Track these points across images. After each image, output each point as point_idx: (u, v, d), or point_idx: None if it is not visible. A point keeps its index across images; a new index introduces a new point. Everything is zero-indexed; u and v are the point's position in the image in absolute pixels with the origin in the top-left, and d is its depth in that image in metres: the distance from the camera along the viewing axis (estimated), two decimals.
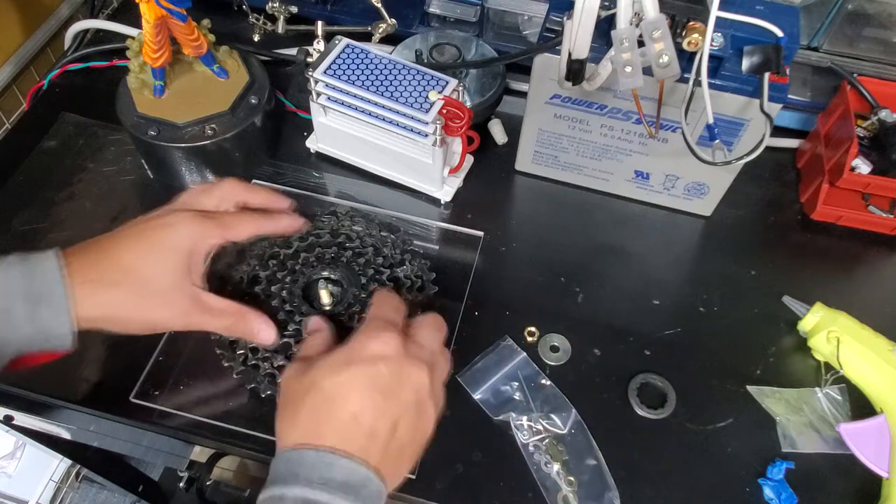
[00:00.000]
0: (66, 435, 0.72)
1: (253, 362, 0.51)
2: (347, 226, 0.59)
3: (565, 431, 0.52)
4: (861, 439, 0.52)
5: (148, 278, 0.43)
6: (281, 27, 0.74)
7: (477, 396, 0.54)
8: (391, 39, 0.71)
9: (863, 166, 0.62)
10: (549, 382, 0.55)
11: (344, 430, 0.38)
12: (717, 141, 0.53)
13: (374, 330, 0.42)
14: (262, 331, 0.47)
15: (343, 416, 0.38)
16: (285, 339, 0.50)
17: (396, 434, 0.39)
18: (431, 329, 0.45)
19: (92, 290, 0.41)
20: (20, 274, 0.40)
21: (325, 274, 0.54)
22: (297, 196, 0.63)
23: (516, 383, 0.55)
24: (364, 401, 0.38)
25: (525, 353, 0.56)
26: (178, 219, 0.45)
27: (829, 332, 0.55)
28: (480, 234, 0.63)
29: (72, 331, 0.41)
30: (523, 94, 0.63)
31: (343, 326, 0.50)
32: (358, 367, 0.39)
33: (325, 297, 0.52)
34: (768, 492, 0.50)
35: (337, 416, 0.38)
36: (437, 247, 0.63)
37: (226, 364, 0.51)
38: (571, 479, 0.50)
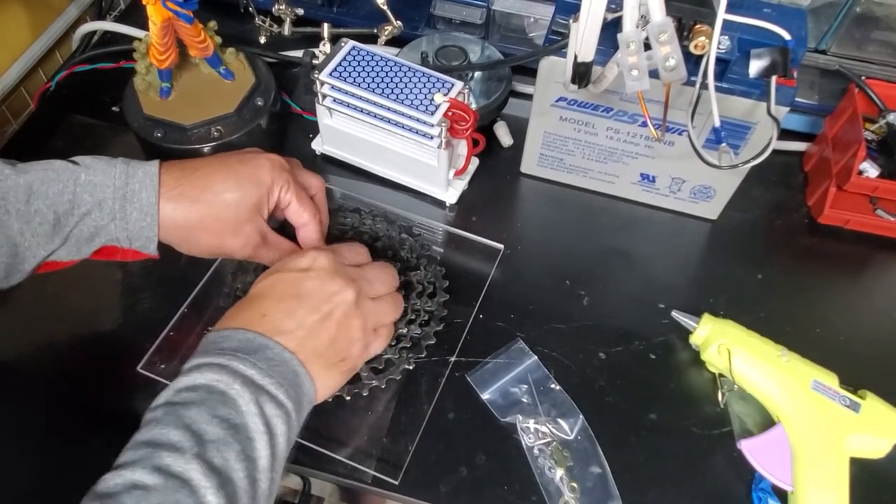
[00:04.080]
0: None
1: None
2: (370, 224, 0.59)
3: (571, 437, 0.52)
4: (762, 453, 0.51)
5: (229, 205, 0.46)
6: (287, 29, 0.74)
7: (485, 397, 0.54)
8: (397, 41, 0.71)
9: (871, 170, 0.62)
10: (558, 387, 0.54)
11: (250, 321, 0.41)
12: (724, 144, 0.53)
13: (311, 250, 0.46)
14: None
15: (253, 312, 0.42)
16: None
17: (311, 337, 0.42)
18: (377, 268, 0.49)
19: (178, 204, 0.45)
20: (122, 172, 0.44)
21: None
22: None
23: (525, 386, 0.55)
24: (275, 303, 0.42)
25: (536, 357, 0.56)
26: (265, 160, 0.49)
27: (719, 344, 0.54)
28: (500, 246, 0.63)
29: (155, 235, 0.45)
30: (529, 97, 0.63)
31: None
32: (280, 274, 0.44)
33: None
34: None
35: (248, 311, 0.42)
36: (441, 249, 0.63)
37: None
38: (574, 485, 0.50)
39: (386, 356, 0.52)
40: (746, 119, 0.55)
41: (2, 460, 0.50)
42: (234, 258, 0.51)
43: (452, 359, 0.55)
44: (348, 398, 0.51)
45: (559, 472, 0.51)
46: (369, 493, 0.51)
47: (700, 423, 0.54)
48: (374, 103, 0.58)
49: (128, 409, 0.52)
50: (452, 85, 0.58)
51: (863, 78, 0.65)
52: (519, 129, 0.69)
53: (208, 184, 0.46)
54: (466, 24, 0.75)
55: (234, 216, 0.47)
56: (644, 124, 0.58)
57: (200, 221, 0.46)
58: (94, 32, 0.80)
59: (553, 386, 0.55)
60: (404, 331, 0.54)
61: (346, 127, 0.64)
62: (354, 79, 0.59)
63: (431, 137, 0.58)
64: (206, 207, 0.46)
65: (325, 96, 0.61)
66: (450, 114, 0.57)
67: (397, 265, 0.54)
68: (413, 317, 0.54)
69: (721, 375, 0.55)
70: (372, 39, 0.70)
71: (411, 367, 0.53)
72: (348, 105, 0.60)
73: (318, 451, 0.51)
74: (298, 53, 0.74)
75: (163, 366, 0.54)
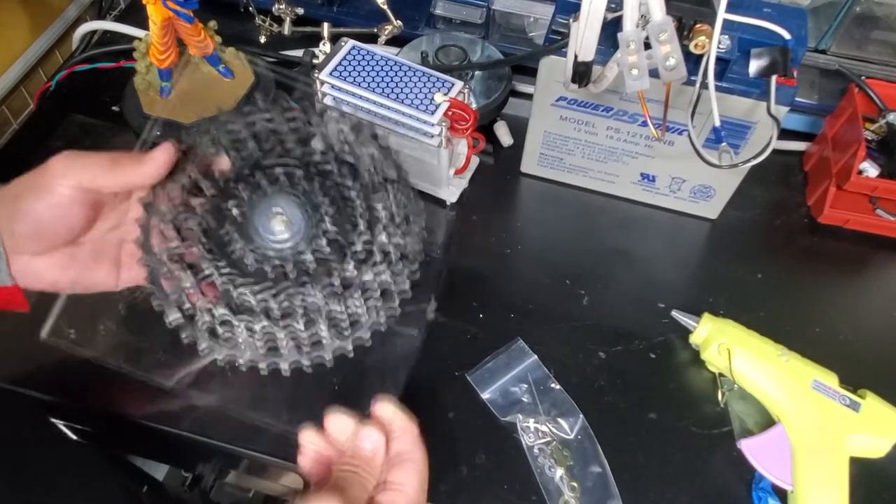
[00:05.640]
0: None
1: (189, 311, 0.42)
2: (315, 127, 0.45)
3: (571, 437, 0.52)
4: (762, 453, 0.51)
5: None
6: (287, 29, 0.74)
7: (485, 396, 0.54)
8: (397, 41, 0.71)
9: (870, 169, 0.62)
10: (558, 386, 0.54)
11: None
12: (724, 143, 0.53)
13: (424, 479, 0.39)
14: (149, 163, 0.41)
15: None
16: (225, 279, 0.40)
17: None
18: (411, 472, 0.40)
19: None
20: None
21: (280, 201, 0.42)
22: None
23: (525, 385, 0.55)
24: None
25: (536, 356, 0.56)
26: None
27: (719, 343, 0.54)
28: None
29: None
30: (529, 97, 0.63)
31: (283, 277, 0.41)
32: None
33: (278, 226, 0.41)
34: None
35: None
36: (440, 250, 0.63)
37: (156, 305, 0.42)
38: (574, 484, 0.50)
39: (350, 312, 0.41)
40: (746, 118, 0.55)
41: None
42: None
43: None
44: (310, 370, 0.42)
45: (559, 472, 0.51)
46: None
47: (700, 422, 0.54)
48: (375, 103, 0.58)
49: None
50: (452, 84, 0.58)
51: (863, 77, 0.65)
52: (519, 129, 0.69)
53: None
54: (466, 23, 0.75)
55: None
56: (644, 124, 0.58)
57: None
58: (93, 32, 0.80)
59: (553, 385, 0.55)
60: (371, 279, 0.41)
61: None
62: (354, 78, 0.59)
63: (432, 136, 0.58)
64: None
65: (325, 95, 0.61)
66: (450, 113, 0.57)
67: (355, 185, 0.43)
68: (379, 258, 0.41)
69: (721, 375, 0.55)
70: (372, 39, 0.70)
71: (383, 328, 0.43)
72: (349, 104, 0.60)
73: None
74: (299, 53, 0.74)
75: (71, 330, 0.47)
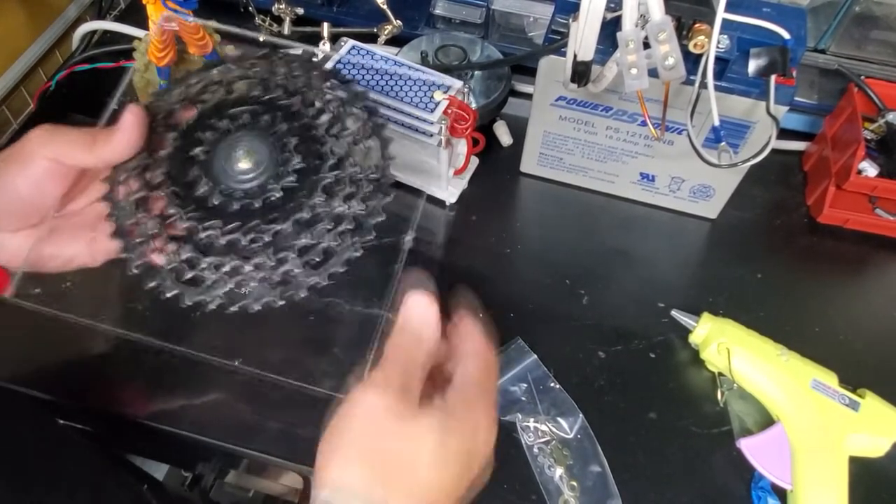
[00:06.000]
0: None
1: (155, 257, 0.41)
2: (261, 70, 0.44)
3: (571, 436, 0.52)
4: (761, 452, 0.51)
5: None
6: (287, 28, 0.74)
7: None
8: (397, 41, 0.71)
9: (870, 169, 0.62)
10: (557, 386, 0.54)
11: None
12: (723, 143, 0.53)
13: (489, 419, 0.36)
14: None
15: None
16: (192, 220, 0.40)
17: None
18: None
19: None
20: None
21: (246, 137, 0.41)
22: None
23: (525, 385, 0.55)
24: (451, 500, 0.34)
25: (535, 356, 0.56)
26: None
27: (718, 343, 0.54)
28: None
29: None
30: (528, 96, 0.63)
31: (251, 214, 0.40)
32: (461, 466, 0.34)
33: (243, 163, 0.40)
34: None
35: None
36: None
37: (124, 255, 0.41)
38: (574, 483, 0.50)
39: (323, 244, 0.40)
40: (746, 118, 0.55)
41: None
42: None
43: None
44: (281, 302, 0.40)
45: (559, 471, 0.51)
46: None
47: (699, 422, 0.54)
48: (374, 102, 0.58)
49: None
50: (452, 84, 0.58)
51: (862, 77, 0.65)
52: (518, 129, 0.69)
53: None
54: (466, 23, 0.75)
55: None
56: (643, 123, 0.58)
57: None
58: (93, 32, 0.80)
59: (552, 385, 0.55)
60: (343, 209, 0.40)
61: None
62: (354, 78, 0.59)
63: (431, 136, 0.58)
64: None
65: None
66: (449, 113, 0.57)
67: (322, 121, 0.42)
68: (352, 189, 0.41)
69: (720, 374, 0.55)
70: (372, 39, 0.70)
71: (358, 254, 0.41)
72: None
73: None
74: (298, 53, 0.74)
75: (38, 290, 0.44)
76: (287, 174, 0.40)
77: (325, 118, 0.42)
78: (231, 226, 0.39)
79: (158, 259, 0.41)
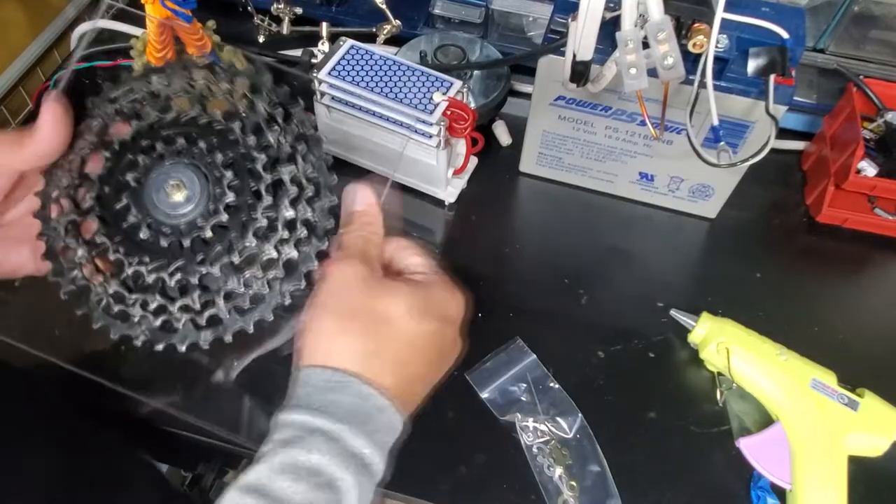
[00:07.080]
0: None
1: (82, 282, 0.40)
2: (201, 86, 0.41)
3: (570, 436, 0.52)
4: (761, 452, 0.51)
5: None
6: (285, 28, 0.74)
7: (484, 395, 0.54)
8: (396, 41, 0.71)
9: (869, 168, 0.62)
10: (557, 385, 0.54)
11: (398, 384, 0.37)
12: (722, 143, 0.53)
13: (449, 284, 0.41)
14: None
15: (407, 371, 0.38)
16: (119, 253, 0.39)
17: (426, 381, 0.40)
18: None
19: None
20: None
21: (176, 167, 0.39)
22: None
23: (524, 385, 0.55)
24: (429, 364, 0.39)
25: (535, 355, 0.56)
26: None
27: (718, 342, 0.54)
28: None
29: None
30: (528, 96, 0.63)
31: (201, 244, 0.39)
32: (435, 325, 0.39)
33: (175, 196, 0.39)
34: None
35: (400, 370, 0.37)
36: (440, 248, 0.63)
37: (52, 278, 0.40)
38: (573, 483, 0.50)
39: (252, 291, 0.40)
40: (745, 118, 0.55)
41: None
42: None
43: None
44: (206, 346, 0.40)
45: (558, 471, 0.51)
46: None
47: (699, 421, 0.54)
48: (373, 102, 0.58)
49: None
50: (451, 84, 0.58)
51: (861, 77, 0.65)
52: (518, 129, 0.69)
53: None
54: (465, 23, 0.75)
55: None
56: (643, 123, 0.58)
57: None
58: (93, 31, 0.80)
59: (552, 384, 0.55)
60: (275, 255, 0.39)
61: (344, 126, 0.64)
62: (353, 78, 0.59)
63: (430, 136, 0.58)
64: None
65: (323, 95, 0.61)
66: (448, 113, 0.57)
67: (261, 157, 0.39)
68: (285, 235, 0.39)
69: (720, 374, 0.55)
70: (371, 38, 0.70)
71: (287, 302, 0.40)
72: (347, 104, 0.60)
73: None
74: (297, 53, 0.74)
75: None
76: (219, 212, 0.38)
77: (264, 156, 0.39)
78: (157, 264, 0.39)
79: (91, 274, 0.40)
